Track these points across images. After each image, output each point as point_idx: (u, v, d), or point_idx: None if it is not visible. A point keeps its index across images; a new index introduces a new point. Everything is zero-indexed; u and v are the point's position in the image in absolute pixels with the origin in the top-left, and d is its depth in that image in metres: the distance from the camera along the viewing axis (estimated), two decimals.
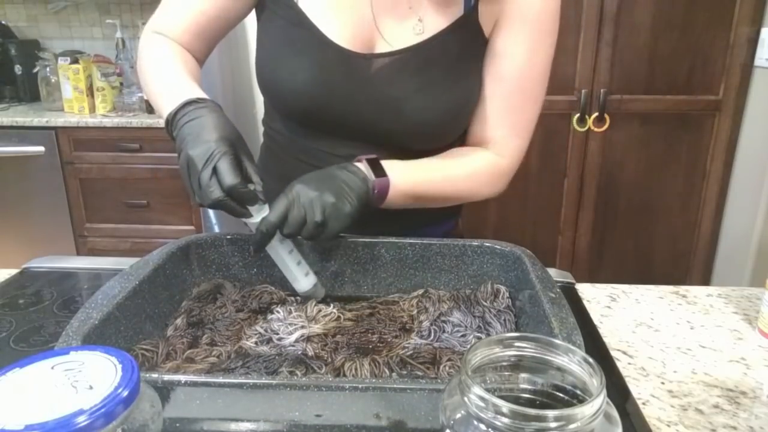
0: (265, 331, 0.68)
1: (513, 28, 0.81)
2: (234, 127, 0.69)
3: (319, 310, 0.72)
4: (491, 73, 0.84)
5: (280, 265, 0.73)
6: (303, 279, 0.73)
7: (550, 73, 0.86)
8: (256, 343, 0.66)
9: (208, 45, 0.87)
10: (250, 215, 0.67)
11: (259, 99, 2.13)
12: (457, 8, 0.81)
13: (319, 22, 0.79)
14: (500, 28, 0.82)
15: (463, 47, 0.82)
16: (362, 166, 0.77)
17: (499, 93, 0.85)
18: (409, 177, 0.80)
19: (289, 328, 0.68)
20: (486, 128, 0.87)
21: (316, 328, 0.68)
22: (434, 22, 0.81)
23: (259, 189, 0.66)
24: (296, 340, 0.66)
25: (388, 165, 0.79)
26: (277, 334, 0.67)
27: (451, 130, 0.87)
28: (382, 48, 0.81)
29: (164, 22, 0.84)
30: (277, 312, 0.71)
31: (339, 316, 0.71)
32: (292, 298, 0.75)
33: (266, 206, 0.70)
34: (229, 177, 0.63)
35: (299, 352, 0.63)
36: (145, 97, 0.80)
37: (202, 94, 0.73)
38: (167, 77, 0.78)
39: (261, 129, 0.97)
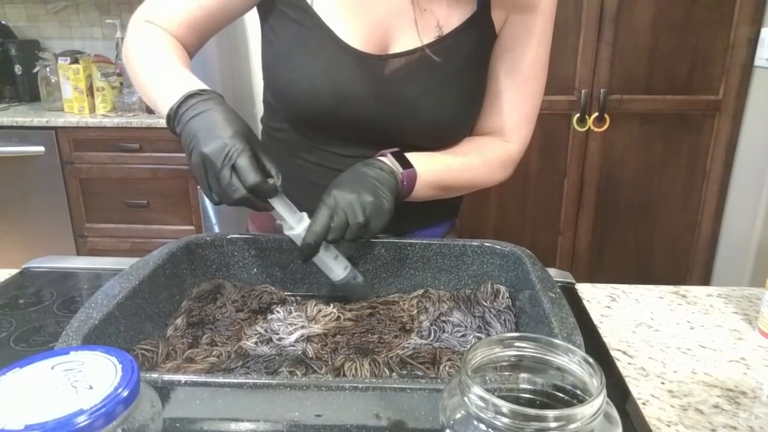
0: (265, 331, 0.68)
1: (525, 21, 0.82)
2: (243, 119, 0.68)
3: (319, 310, 0.72)
4: (504, 66, 0.86)
5: (325, 270, 0.73)
6: (351, 281, 0.74)
7: (548, 70, 0.88)
8: (256, 343, 0.66)
9: (201, 39, 0.85)
10: (272, 208, 0.67)
11: (259, 99, 2.12)
12: (469, 6, 0.81)
13: (333, 24, 0.79)
14: (513, 22, 0.83)
15: (476, 44, 0.83)
16: (387, 160, 0.77)
17: (512, 84, 0.86)
18: (431, 167, 0.81)
19: (289, 328, 0.68)
20: (498, 119, 0.88)
21: (316, 328, 0.68)
22: (447, 21, 0.81)
23: (278, 182, 0.66)
24: (296, 340, 0.66)
25: (411, 157, 0.79)
26: (277, 334, 0.67)
27: (463, 128, 0.88)
28: (395, 49, 0.81)
29: (158, 12, 0.81)
30: (277, 312, 0.71)
31: (339, 316, 0.71)
32: (293, 298, 0.75)
33: (305, 216, 0.70)
34: (251, 175, 0.62)
35: (299, 352, 0.63)
36: (135, 91, 0.79)
37: (203, 86, 0.71)
38: (163, 69, 0.75)
39: (260, 128, 0.96)
